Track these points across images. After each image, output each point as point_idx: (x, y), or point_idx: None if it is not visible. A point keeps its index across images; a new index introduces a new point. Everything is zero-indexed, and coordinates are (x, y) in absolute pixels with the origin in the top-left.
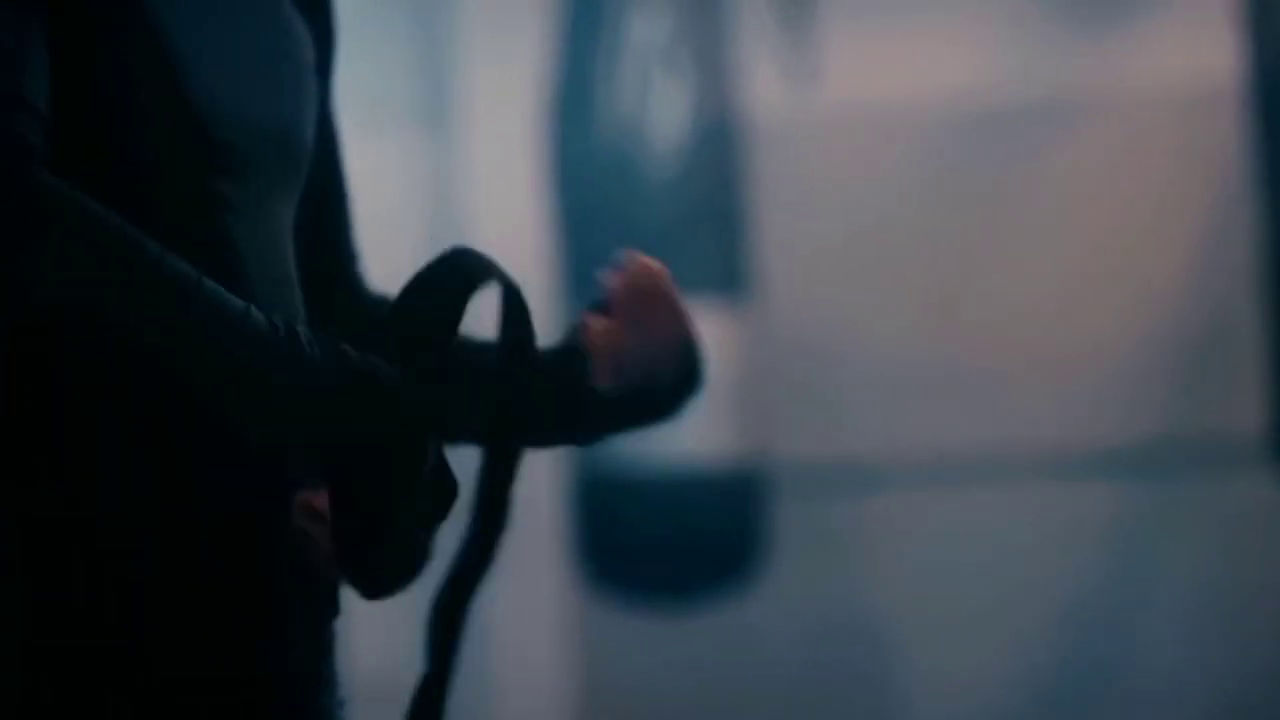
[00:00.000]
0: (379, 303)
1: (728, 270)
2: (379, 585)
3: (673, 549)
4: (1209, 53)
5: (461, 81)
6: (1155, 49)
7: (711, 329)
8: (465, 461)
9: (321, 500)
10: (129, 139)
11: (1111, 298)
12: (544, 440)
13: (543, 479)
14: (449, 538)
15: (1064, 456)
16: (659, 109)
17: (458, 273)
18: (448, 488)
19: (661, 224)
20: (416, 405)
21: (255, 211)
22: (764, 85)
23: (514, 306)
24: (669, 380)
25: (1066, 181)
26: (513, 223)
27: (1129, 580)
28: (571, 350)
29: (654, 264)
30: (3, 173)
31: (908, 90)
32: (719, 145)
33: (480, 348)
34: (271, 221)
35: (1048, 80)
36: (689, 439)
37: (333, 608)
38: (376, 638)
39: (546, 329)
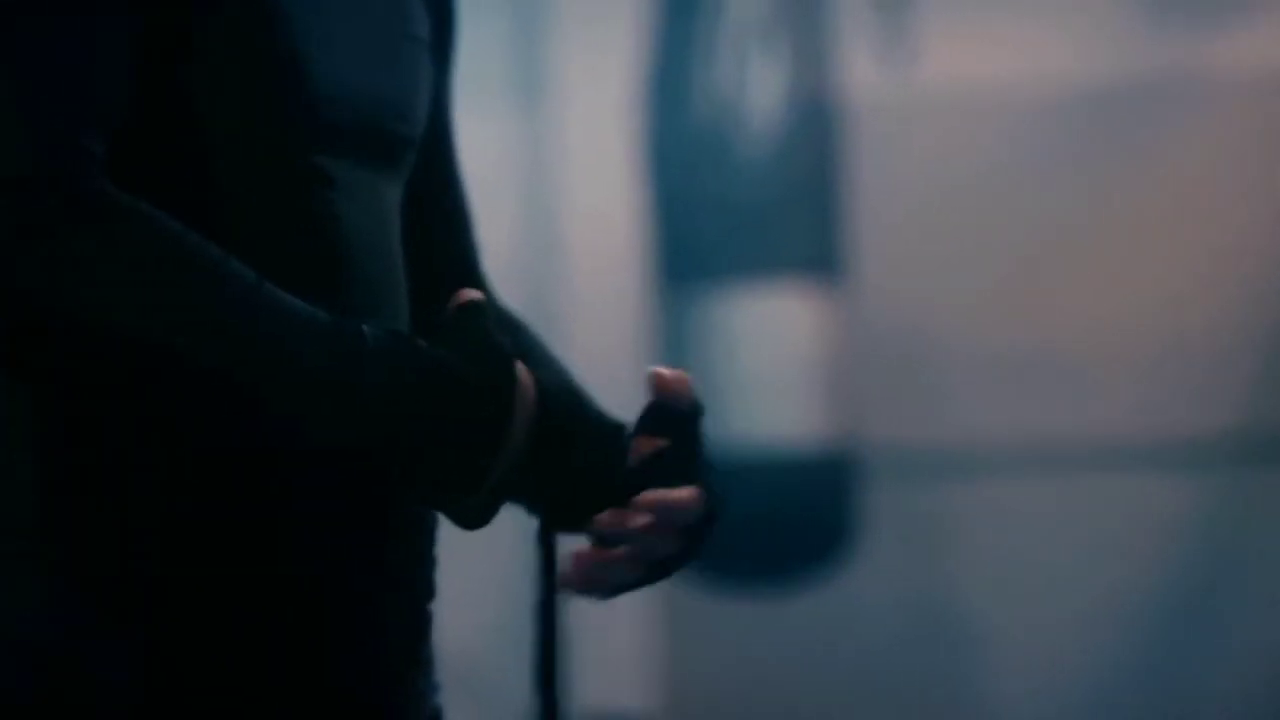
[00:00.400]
0: (504, 318)
1: (823, 251)
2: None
3: (764, 533)
4: None
5: (557, 60)
6: (1254, 32)
7: (806, 311)
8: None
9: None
10: (233, 112)
11: (1209, 287)
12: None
13: None
14: None
15: (1159, 445)
16: (755, 89)
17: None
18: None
19: (756, 205)
20: (490, 404)
21: (360, 188)
22: (861, 65)
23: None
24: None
25: (1162, 165)
26: (608, 202)
27: (1222, 570)
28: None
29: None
30: (58, 179)
31: (1004, 71)
32: (815, 125)
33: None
34: (377, 199)
35: (1144, 62)
36: (781, 422)
37: (427, 590)
38: (466, 619)
39: (642, 312)
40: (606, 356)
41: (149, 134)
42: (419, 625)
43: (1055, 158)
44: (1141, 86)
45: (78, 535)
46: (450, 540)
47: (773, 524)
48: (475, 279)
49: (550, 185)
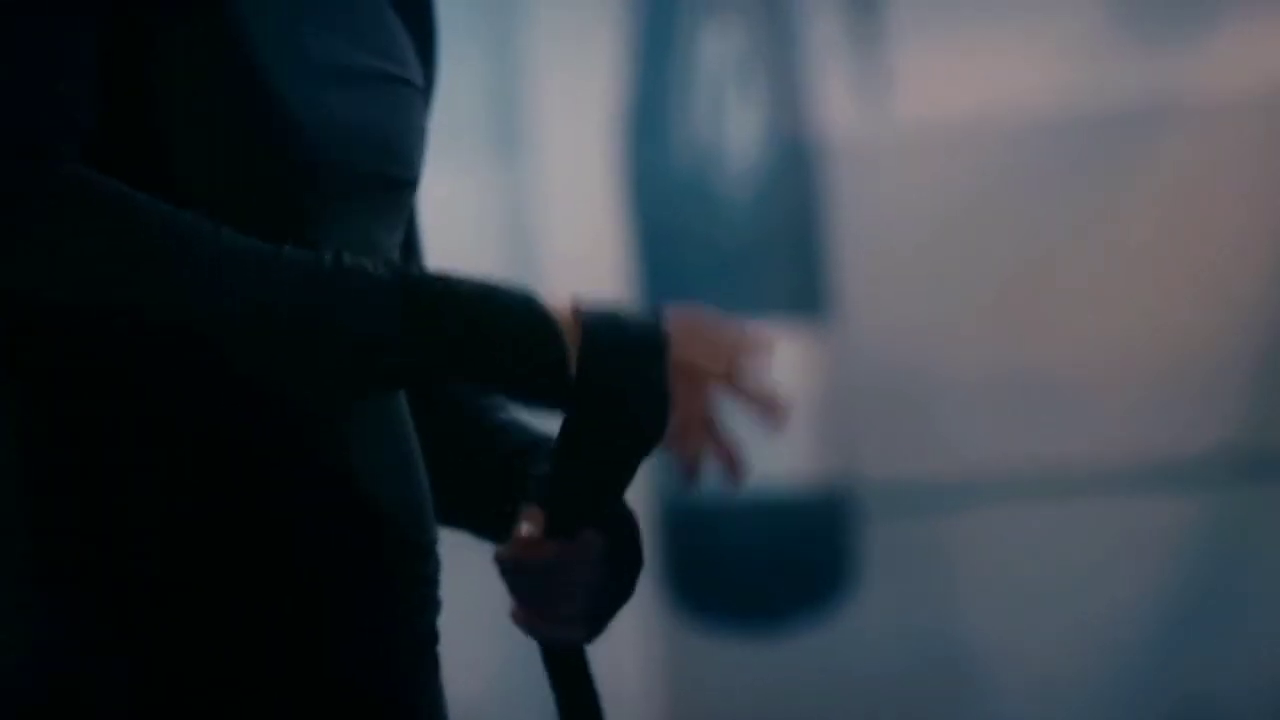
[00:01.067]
0: None
1: (807, 290)
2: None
3: (761, 573)
4: None
5: (536, 103)
6: (1228, 54)
7: (793, 349)
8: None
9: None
10: (208, 149)
11: (1195, 307)
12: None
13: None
14: None
15: (1153, 467)
16: (734, 129)
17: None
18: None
19: (738, 245)
20: (499, 317)
21: (351, 232)
22: (838, 104)
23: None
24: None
25: (1144, 191)
26: (588, 244)
27: (1222, 590)
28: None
29: None
30: (39, 169)
31: (982, 105)
32: (795, 165)
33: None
34: (370, 244)
35: (1122, 90)
36: (773, 462)
37: (431, 630)
38: (468, 663)
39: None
40: None
41: (120, 148)
42: (424, 650)
43: (1037, 188)
44: (1121, 113)
45: (77, 535)
46: (451, 583)
47: (770, 564)
48: None
49: (531, 230)
